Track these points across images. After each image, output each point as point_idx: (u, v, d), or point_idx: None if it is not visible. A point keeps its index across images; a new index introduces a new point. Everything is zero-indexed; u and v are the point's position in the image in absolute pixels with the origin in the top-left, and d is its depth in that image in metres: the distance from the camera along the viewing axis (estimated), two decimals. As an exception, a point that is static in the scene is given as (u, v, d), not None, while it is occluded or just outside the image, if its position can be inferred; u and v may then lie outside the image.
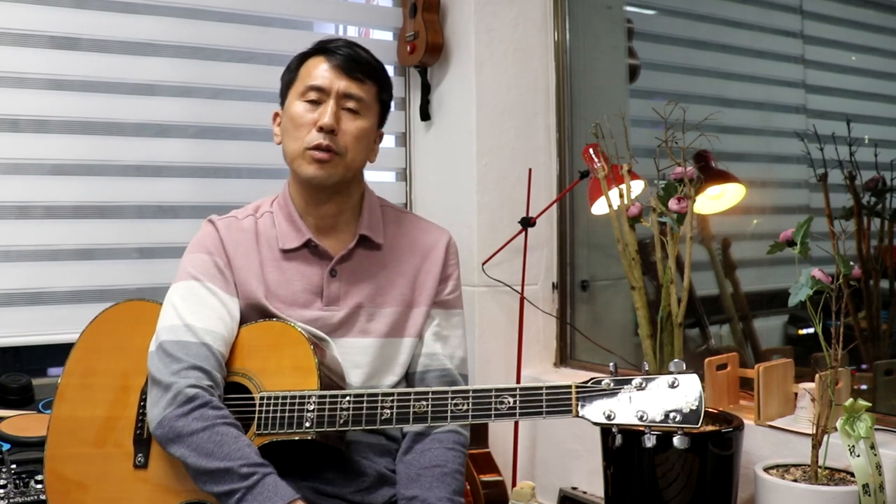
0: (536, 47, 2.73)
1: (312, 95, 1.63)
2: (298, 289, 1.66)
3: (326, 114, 1.61)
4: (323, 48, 1.67)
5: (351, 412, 1.47)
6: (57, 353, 2.34)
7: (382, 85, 1.70)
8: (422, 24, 2.65)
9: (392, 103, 1.77)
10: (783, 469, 1.76)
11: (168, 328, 1.56)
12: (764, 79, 2.59)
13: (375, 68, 1.69)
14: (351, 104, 1.64)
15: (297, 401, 1.49)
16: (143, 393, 1.60)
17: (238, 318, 1.62)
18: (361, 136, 1.65)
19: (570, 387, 1.39)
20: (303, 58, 1.70)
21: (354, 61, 1.65)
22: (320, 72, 1.64)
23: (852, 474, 1.61)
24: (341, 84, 1.63)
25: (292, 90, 1.68)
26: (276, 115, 1.75)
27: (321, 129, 1.60)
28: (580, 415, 1.38)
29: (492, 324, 2.65)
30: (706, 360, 2.03)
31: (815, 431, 1.69)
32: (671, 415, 1.35)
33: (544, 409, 1.40)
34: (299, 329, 1.57)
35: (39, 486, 1.84)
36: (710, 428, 1.80)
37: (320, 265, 1.68)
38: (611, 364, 1.43)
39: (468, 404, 1.43)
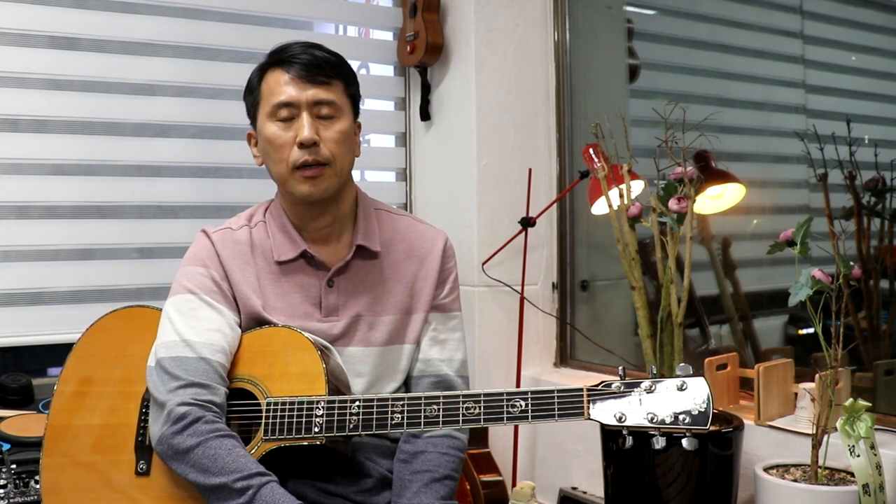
0: (536, 47, 2.73)
1: (283, 113, 1.57)
2: (296, 301, 1.63)
3: (303, 128, 1.55)
4: (279, 59, 1.60)
5: (361, 417, 1.46)
6: (57, 353, 2.33)
7: (347, 79, 1.64)
8: (422, 24, 2.65)
9: (362, 91, 1.69)
10: (783, 469, 1.76)
11: (165, 345, 1.54)
12: (764, 79, 2.59)
13: (336, 65, 1.61)
14: (324, 110, 1.58)
15: (305, 406, 1.48)
16: (145, 400, 1.59)
17: (238, 330, 1.60)
18: (343, 139, 1.60)
19: (581, 390, 1.40)
20: (261, 73, 1.63)
21: (315, 66, 1.57)
22: (283, 86, 1.57)
23: (852, 474, 1.61)
24: (308, 93, 1.57)
25: (260, 111, 1.62)
26: (250, 136, 1.69)
27: (302, 146, 1.55)
28: (591, 417, 1.39)
29: (492, 324, 2.65)
30: (706, 360, 2.03)
31: (815, 431, 1.69)
32: (680, 416, 1.36)
33: (556, 412, 1.40)
34: (305, 335, 1.55)
35: (39, 485, 1.84)
36: (710, 428, 1.80)
37: (317, 276, 1.65)
38: (619, 368, 1.44)
39: (480, 408, 1.43)
